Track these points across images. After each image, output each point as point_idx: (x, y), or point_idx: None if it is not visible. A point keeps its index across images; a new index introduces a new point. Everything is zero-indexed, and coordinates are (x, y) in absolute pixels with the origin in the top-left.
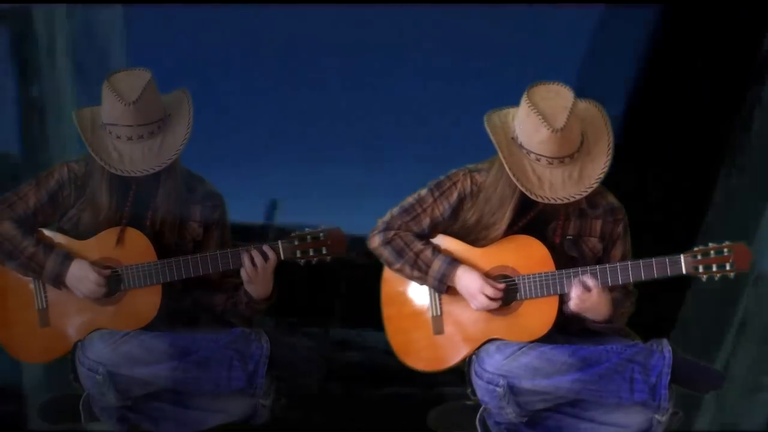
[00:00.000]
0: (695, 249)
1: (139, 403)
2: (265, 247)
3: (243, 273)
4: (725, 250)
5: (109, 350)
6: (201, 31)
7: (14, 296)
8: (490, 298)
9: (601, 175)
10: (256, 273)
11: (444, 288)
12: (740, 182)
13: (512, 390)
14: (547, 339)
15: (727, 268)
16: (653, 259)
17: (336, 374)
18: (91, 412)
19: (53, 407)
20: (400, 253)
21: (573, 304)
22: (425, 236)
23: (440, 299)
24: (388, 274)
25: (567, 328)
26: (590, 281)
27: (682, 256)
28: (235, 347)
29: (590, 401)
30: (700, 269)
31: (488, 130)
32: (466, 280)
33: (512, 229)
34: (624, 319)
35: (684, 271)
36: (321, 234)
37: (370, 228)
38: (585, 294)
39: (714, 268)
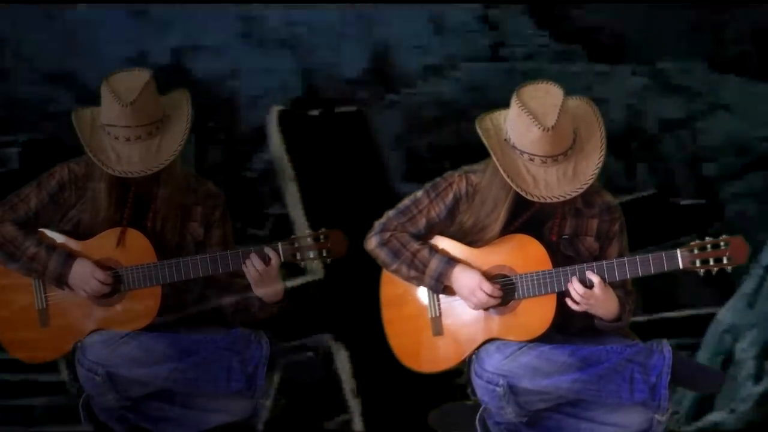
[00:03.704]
0: (692, 243)
1: (139, 404)
2: (266, 250)
3: (247, 276)
4: (722, 243)
5: (109, 351)
6: None
7: (14, 296)
8: (488, 295)
9: (596, 171)
10: (259, 276)
11: (441, 287)
12: None
13: (512, 390)
14: (546, 339)
15: (725, 261)
16: (650, 255)
17: None
18: (91, 412)
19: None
20: (396, 254)
21: (576, 302)
22: (422, 237)
23: (439, 300)
24: (387, 276)
25: (567, 328)
26: (593, 276)
27: (678, 251)
28: (235, 349)
29: (590, 401)
30: (697, 263)
31: (480, 133)
32: (464, 278)
33: (508, 230)
34: (630, 318)
35: (681, 266)
36: (322, 236)
37: None
38: (587, 292)
39: (711, 262)
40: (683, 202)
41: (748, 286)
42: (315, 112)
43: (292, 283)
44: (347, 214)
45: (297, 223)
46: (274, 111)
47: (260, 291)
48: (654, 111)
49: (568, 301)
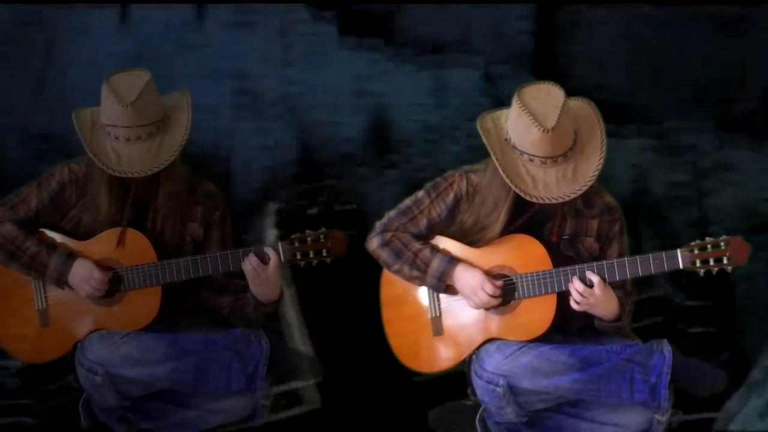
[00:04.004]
0: (692, 243)
1: (139, 404)
2: (266, 249)
3: (246, 275)
4: (722, 243)
5: (109, 351)
6: None
7: (14, 296)
8: (490, 295)
9: (596, 173)
10: (257, 275)
11: (443, 287)
12: None
13: (512, 390)
14: (546, 339)
15: (725, 261)
16: (650, 255)
17: None
18: (91, 412)
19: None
20: (398, 254)
21: (575, 301)
22: (423, 237)
23: (439, 300)
24: (387, 276)
25: (567, 328)
26: (592, 276)
27: (679, 251)
28: (235, 349)
29: (590, 401)
30: (698, 263)
31: (481, 132)
32: (466, 277)
33: (509, 230)
34: (629, 318)
35: (681, 266)
36: (321, 236)
37: None
38: (587, 290)
39: (711, 262)
40: (690, 303)
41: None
42: (314, 211)
43: (286, 414)
44: (347, 323)
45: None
46: (272, 209)
47: (257, 290)
48: (660, 171)
49: (571, 301)
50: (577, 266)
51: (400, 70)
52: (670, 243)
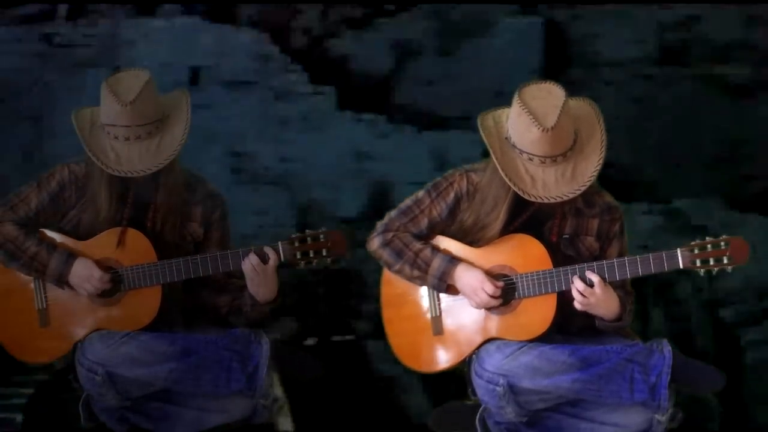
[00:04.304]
0: (692, 243)
1: (139, 404)
2: (266, 249)
3: (245, 274)
4: (722, 243)
5: (109, 351)
6: None
7: (14, 296)
8: (490, 295)
9: (595, 173)
10: (256, 274)
11: (444, 287)
12: None
13: (512, 389)
14: (546, 338)
15: (725, 261)
16: (650, 254)
17: None
18: (91, 412)
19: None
20: (399, 254)
21: (577, 301)
22: (423, 237)
23: (439, 300)
24: (387, 276)
25: (567, 328)
26: (592, 276)
27: (679, 251)
28: (235, 348)
29: (590, 401)
30: (698, 263)
31: (481, 131)
32: (467, 277)
33: (508, 229)
34: (630, 318)
35: (681, 266)
36: (321, 236)
37: None
38: (588, 290)
39: (711, 262)
40: None
41: None
42: (311, 342)
43: None
44: None
45: None
46: (267, 343)
47: (255, 290)
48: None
49: (574, 301)
50: (577, 266)
51: (400, 145)
52: (681, 326)
